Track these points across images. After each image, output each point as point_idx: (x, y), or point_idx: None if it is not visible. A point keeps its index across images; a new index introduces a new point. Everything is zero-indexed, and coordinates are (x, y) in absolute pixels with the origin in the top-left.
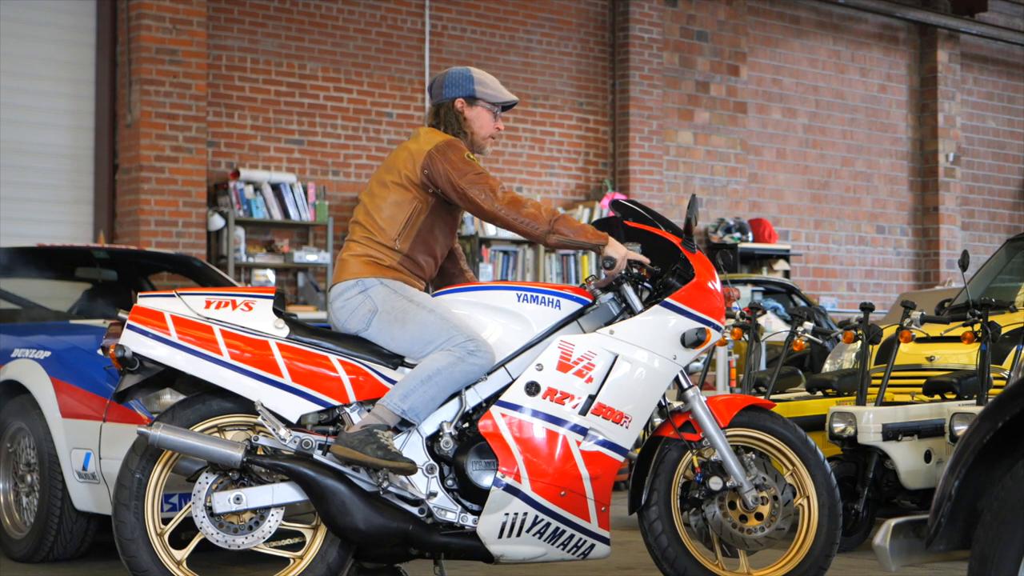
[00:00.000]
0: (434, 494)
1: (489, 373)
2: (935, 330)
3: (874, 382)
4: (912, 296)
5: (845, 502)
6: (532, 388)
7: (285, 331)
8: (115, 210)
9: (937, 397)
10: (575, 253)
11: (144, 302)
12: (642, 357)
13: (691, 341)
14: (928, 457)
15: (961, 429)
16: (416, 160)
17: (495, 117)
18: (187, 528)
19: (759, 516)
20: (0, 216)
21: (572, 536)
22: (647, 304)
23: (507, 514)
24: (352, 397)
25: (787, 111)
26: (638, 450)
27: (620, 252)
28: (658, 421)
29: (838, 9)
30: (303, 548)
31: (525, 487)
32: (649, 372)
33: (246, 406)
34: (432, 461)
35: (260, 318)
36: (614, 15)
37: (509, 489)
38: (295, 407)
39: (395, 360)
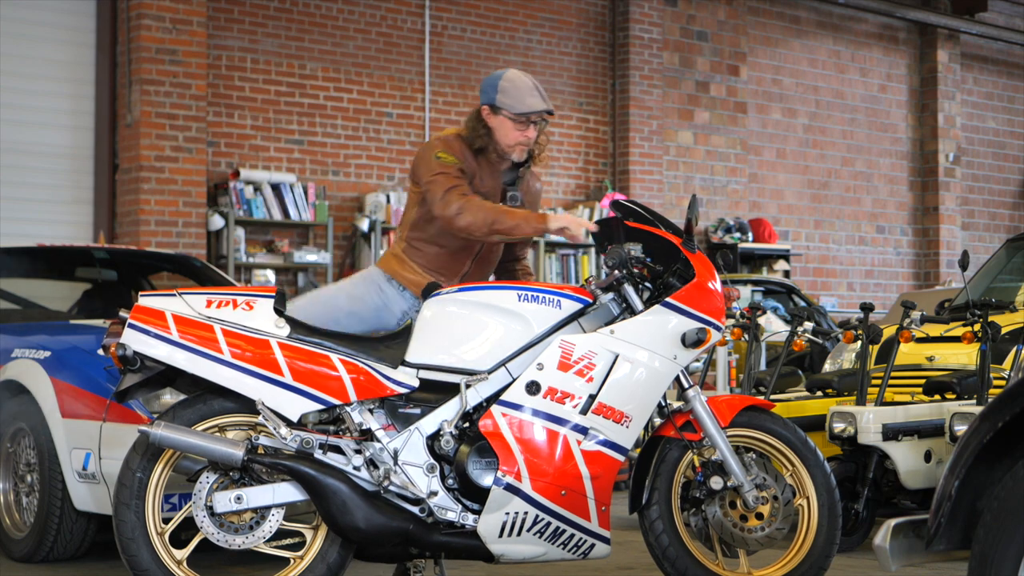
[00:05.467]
0: (435, 493)
1: (490, 372)
2: (935, 330)
3: (874, 382)
4: (912, 296)
5: (845, 502)
6: (533, 387)
7: (286, 330)
8: (115, 210)
9: (937, 397)
10: (575, 252)
11: (145, 301)
12: (643, 357)
13: (691, 341)
14: (928, 457)
15: (961, 429)
16: (414, 160)
17: (524, 126)
18: (187, 528)
19: (759, 516)
20: (0, 216)
21: (572, 536)
22: (648, 304)
23: (507, 513)
24: (353, 396)
25: (787, 111)
26: (638, 450)
27: (567, 219)
28: (658, 421)
29: (838, 9)
30: (303, 548)
31: (525, 486)
32: (650, 372)
33: (247, 405)
34: (433, 460)
35: (261, 317)
36: (614, 15)
37: (510, 488)
38: (296, 406)
39: (396, 360)
